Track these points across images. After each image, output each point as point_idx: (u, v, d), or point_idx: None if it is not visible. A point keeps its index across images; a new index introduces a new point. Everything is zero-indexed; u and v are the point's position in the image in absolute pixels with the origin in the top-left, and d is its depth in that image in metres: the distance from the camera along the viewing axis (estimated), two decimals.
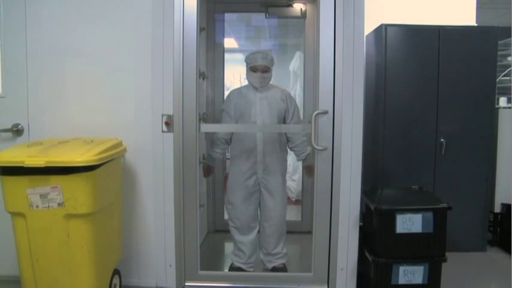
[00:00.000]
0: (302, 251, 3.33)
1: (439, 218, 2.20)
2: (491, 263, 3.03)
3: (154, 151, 2.40)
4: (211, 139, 2.87)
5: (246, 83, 2.87)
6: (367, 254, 2.32)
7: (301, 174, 3.94)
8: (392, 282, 2.23)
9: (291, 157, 4.50)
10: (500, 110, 3.26)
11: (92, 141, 2.18)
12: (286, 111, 2.77)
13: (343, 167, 2.34)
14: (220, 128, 2.86)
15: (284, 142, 2.84)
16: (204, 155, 3.20)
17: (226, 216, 3.23)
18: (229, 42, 4.52)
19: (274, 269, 2.80)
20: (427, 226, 2.19)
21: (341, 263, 2.39)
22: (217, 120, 3.37)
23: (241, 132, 2.78)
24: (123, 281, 2.42)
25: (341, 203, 2.36)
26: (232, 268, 2.80)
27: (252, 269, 2.80)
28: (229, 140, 2.81)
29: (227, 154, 3.12)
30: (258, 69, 2.68)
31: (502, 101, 3.66)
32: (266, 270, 2.81)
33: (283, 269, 2.82)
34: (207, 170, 2.95)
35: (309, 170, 2.84)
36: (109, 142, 2.18)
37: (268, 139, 2.74)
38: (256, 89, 2.73)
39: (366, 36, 3.15)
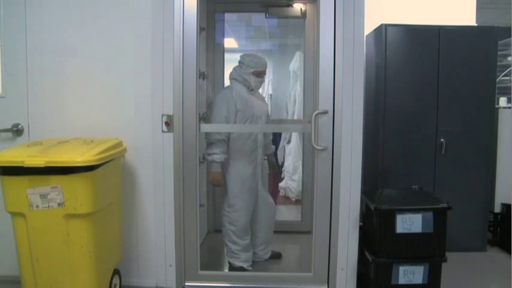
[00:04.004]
0: (302, 251, 3.33)
1: (439, 218, 2.21)
2: (491, 263, 3.02)
3: (154, 151, 2.40)
4: (208, 142, 2.68)
5: None
6: (367, 254, 2.32)
7: (301, 175, 3.94)
8: (393, 282, 2.23)
9: (291, 157, 4.52)
10: (500, 110, 3.26)
11: (92, 141, 2.18)
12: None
13: (343, 167, 2.34)
14: (220, 128, 2.84)
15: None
16: (204, 155, 3.20)
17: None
18: (229, 42, 4.51)
19: (272, 256, 2.98)
20: (427, 226, 2.19)
21: (341, 263, 2.39)
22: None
23: (244, 134, 2.76)
24: (123, 281, 2.42)
25: (341, 203, 2.36)
26: (233, 268, 2.80)
27: (250, 268, 2.82)
28: (227, 139, 2.73)
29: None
30: (261, 74, 2.76)
31: (502, 101, 3.66)
32: (264, 264, 2.89)
33: (279, 254, 3.02)
34: (218, 179, 2.70)
35: (271, 166, 3.06)
36: (109, 142, 2.18)
37: (266, 140, 2.86)
38: (251, 90, 2.77)
39: (366, 36, 3.15)
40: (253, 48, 5.19)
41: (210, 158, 2.66)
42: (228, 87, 2.84)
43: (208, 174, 2.76)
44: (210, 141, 2.67)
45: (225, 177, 2.75)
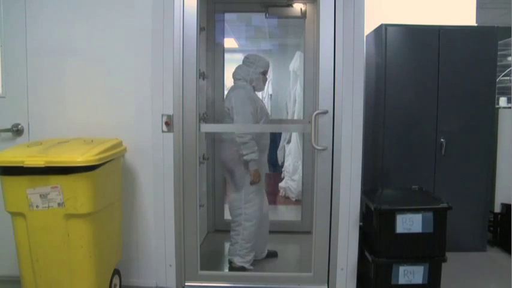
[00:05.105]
0: (302, 251, 3.33)
1: (439, 218, 2.21)
2: (491, 263, 3.02)
3: (154, 151, 2.40)
4: (242, 142, 2.64)
5: None
6: (367, 254, 2.32)
7: (301, 175, 3.95)
8: (392, 282, 2.23)
9: (291, 157, 4.52)
10: (500, 110, 3.26)
11: (92, 141, 2.18)
12: None
13: (343, 167, 2.34)
14: (220, 128, 2.86)
15: None
16: (204, 154, 3.20)
17: (226, 216, 3.24)
18: (229, 42, 4.51)
19: (269, 255, 3.01)
20: (427, 226, 2.19)
21: (341, 263, 2.39)
22: (217, 120, 3.36)
23: (263, 132, 2.82)
24: (123, 281, 2.42)
25: (341, 203, 2.36)
26: (233, 267, 2.80)
27: (251, 267, 2.82)
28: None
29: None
30: (266, 73, 2.84)
31: (502, 101, 3.66)
32: (262, 263, 2.91)
33: (275, 253, 3.05)
34: (259, 175, 2.73)
35: None
36: (109, 142, 2.18)
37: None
38: (255, 89, 2.82)
39: (366, 36, 3.15)
40: (253, 48, 5.19)
41: (248, 157, 2.65)
42: (239, 86, 2.78)
43: (247, 173, 2.72)
44: (243, 140, 2.64)
45: (243, 173, 2.74)
